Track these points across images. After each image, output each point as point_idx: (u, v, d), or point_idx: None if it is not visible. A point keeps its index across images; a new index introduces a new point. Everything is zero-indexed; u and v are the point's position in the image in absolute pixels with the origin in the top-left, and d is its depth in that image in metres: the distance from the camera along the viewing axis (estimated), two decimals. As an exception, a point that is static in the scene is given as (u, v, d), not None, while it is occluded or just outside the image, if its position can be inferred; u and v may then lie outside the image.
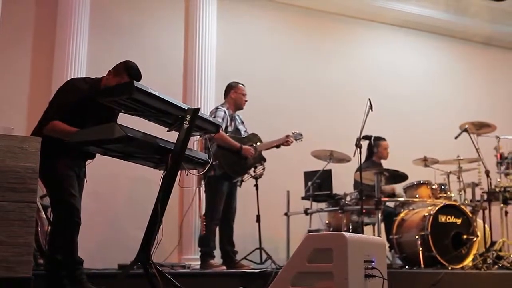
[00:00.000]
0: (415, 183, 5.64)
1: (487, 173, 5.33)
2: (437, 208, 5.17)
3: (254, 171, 5.31)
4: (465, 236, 5.14)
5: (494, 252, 5.31)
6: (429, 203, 5.41)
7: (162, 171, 3.19)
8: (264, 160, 5.32)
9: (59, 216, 3.34)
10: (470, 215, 5.30)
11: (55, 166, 3.30)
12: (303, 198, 5.98)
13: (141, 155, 3.23)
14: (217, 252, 5.16)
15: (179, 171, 3.24)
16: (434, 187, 5.56)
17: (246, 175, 5.26)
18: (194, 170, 3.49)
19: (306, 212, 5.84)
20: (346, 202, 5.56)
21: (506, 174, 6.00)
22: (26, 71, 5.84)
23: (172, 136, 3.22)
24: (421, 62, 8.20)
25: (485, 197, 5.50)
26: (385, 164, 6.26)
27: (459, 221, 5.22)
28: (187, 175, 3.41)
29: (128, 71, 3.43)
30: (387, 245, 5.41)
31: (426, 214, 5.17)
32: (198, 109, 3.18)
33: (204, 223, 4.97)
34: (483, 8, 7.97)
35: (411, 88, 7.92)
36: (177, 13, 6.67)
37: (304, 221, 5.94)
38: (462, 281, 4.48)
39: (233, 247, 5.22)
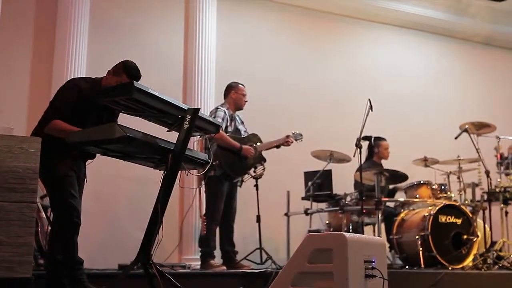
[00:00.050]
0: (415, 183, 5.64)
1: (487, 173, 5.33)
2: (437, 208, 5.17)
3: (254, 171, 5.31)
4: (465, 236, 5.14)
5: (494, 252, 5.30)
6: (429, 203, 5.41)
7: (162, 171, 3.19)
8: (264, 160, 5.32)
9: (59, 216, 3.34)
10: (470, 215, 5.30)
11: (55, 166, 3.30)
12: (303, 198, 5.98)
13: (141, 155, 3.23)
14: (217, 252, 5.16)
15: (179, 171, 3.24)
16: (434, 187, 5.56)
17: (246, 175, 5.26)
18: (194, 170, 3.49)
19: (306, 212, 5.84)
20: (346, 202, 5.56)
21: (506, 174, 6.00)
22: (26, 71, 5.84)
23: (172, 136, 3.22)
24: (421, 62, 8.20)
25: (485, 197, 5.49)
26: (385, 164, 6.26)
27: (459, 221, 5.22)
28: (187, 175, 3.41)
29: (127, 70, 3.43)
30: (387, 245, 5.41)
31: (426, 214, 5.17)
32: (198, 109, 3.18)
33: (205, 223, 4.97)
34: (483, 8, 7.97)
35: (411, 88, 7.92)
36: (177, 13, 6.67)
37: (304, 221, 5.94)
38: (462, 281, 4.48)
39: (233, 247, 5.22)
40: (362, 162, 5.14)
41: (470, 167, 5.90)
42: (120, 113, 3.43)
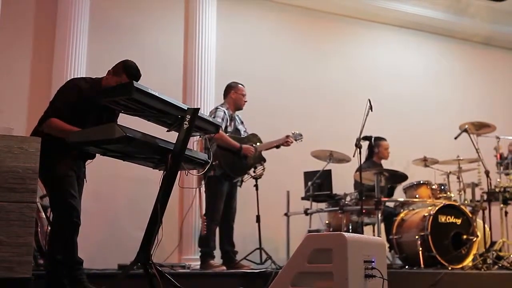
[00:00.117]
0: (415, 183, 5.64)
1: (487, 173, 5.33)
2: (437, 208, 5.17)
3: (254, 171, 5.31)
4: (465, 236, 5.13)
5: (494, 252, 5.30)
6: (429, 203, 5.41)
7: (162, 171, 3.19)
8: (264, 160, 5.32)
9: (59, 216, 3.34)
10: (470, 215, 5.30)
11: (55, 166, 3.30)
12: (303, 198, 5.98)
13: (140, 155, 3.23)
14: (217, 252, 5.16)
15: (179, 171, 3.25)
16: (434, 187, 5.56)
17: (246, 175, 5.27)
18: (194, 170, 3.49)
19: (306, 212, 5.84)
20: (346, 202, 5.56)
21: (506, 174, 6.00)
22: (26, 71, 5.84)
23: (172, 136, 3.22)
24: (420, 62, 8.20)
25: (485, 197, 5.49)
26: (385, 164, 6.26)
27: (459, 221, 5.21)
28: (187, 175, 3.41)
29: (127, 70, 3.44)
30: (387, 245, 5.41)
31: (426, 214, 5.17)
32: (198, 109, 3.18)
33: (205, 223, 4.97)
34: (483, 8, 7.97)
35: (411, 88, 7.92)
36: (177, 13, 6.67)
37: (304, 221, 5.94)
38: (462, 281, 4.48)
39: (233, 247, 5.22)
40: (362, 162, 5.14)
41: (469, 167, 5.90)
42: (120, 113, 3.43)
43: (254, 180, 5.37)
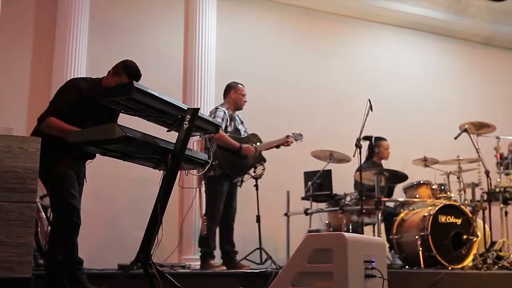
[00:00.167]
0: (415, 183, 5.64)
1: (487, 173, 5.33)
2: (437, 208, 5.17)
3: (254, 171, 5.31)
4: (465, 236, 5.14)
5: (494, 252, 5.30)
6: (429, 203, 5.41)
7: (162, 171, 3.19)
8: (264, 160, 5.32)
9: (59, 216, 3.34)
10: (470, 215, 5.30)
11: (55, 166, 3.30)
12: (303, 198, 5.98)
13: (140, 155, 3.23)
14: (217, 252, 5.16)
15: (179, 171, 3.25)
16: (434, 187, 5.56)
17: (246, 175, 5.26)
18: (194, 170, 3.49)
19: (306, 212, 5.84)
20: (346, 202, 5.56)
21: (506, 174, 6.00)
22: (26, 71, 5.84)
23: (172, 136, 3.22)
24: (420, 62, 8.20)
25: (485, 197, 5.49)
26: (385, 164, 6.26)
27: (459, 221, 5.21)
28: (187, 175, 3.41)
29: (127, 70, 3.43)
30: (387, 245, 5.41)
31: (426, 214, 5.17)
32: (198, 109, 3.18)
33: (205, 223, 4.97)
34: (482, 8, 7.97)
35: (411, 88, 7.92)
36: (177, 13, 6.67)
37: (304, 221, 5.94)
38: (462, 281, 4.48)
39: (233, 247, 5.23)
40: (362, 162, 5.14)
41: (470, 167, 5.90)
42: (120, 113, 3.43)
43: (254, 180, 5.37)
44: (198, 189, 5.27)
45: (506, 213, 5.91)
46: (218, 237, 5.23)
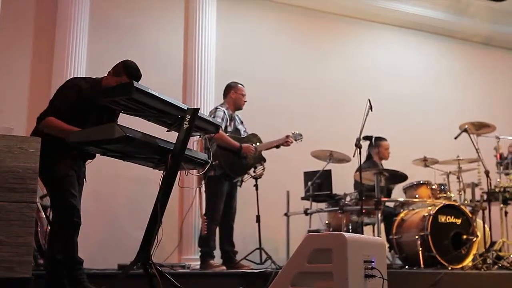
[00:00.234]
0: (415, 183, 5.64)
1: (487, 173, 5.33)
2: (437, 208, 5.17)
3: (254, 171, 5.31)
4: (465, 236, 5.14)
5: (494, 252, 5.30)
6: (429, 203, 5.41)
7: (162, 171, 3.19)
8: (264, 160, 5.32)
9: (59, 216, 3.34)
10: (470, 215, 5.30)
11: (55, 166, 3.30)
12: (303, 198, 5.98)
13: (140, 155, 3.23)
14: (217, 252, 5.16)
15: (179, 171, 3.25)
16: (434, 187, 5.56)
17: (246, 175, 5.26)
18: (194, 170, 3.49)
19: (306, 212, 5.84)
20: (346, 202, 5.56)
21: (506, 174, 6.00)
22: (26, 71, 5.84)
23: (172, 136, 3.22)
24: (420, 62, 8.20)
25: (485, 197, 5.49)
26: (385, 164, 6.26)
27: (459, 221, 5.22)
28: (187, 175, 3.41)
29: (127, 70, 3.43)
30: (387, 245, 5.41)
31: (426, 214, 5.17)
32: (198, 109, 3.18)
33: (205, 223, 4.97)
34: (482, 8, 7.98)
35: (411, 88, 7.92)
36: (177, 13, 6.67)
37: (304, 221, 5.94)
38: (462, 281, 4.48)
39: (233, 247, 5.23)
40: (362, 162, 5.14)
41: (469, 167, 5.90)
42: (120, 113, 3.43)
43: (254, 180, 5.37)
44: (198, 189, 5.27)
45: (506, 213, 5.91)
46: (218, 237, 5.23)
